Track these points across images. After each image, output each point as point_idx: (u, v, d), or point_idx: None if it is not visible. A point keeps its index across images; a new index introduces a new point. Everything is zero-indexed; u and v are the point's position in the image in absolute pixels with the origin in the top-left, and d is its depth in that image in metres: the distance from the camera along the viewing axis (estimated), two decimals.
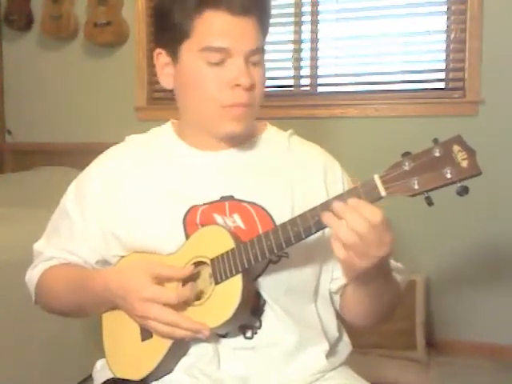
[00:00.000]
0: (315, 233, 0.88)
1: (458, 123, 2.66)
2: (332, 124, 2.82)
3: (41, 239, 1.20)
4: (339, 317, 1.13)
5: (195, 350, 1.00)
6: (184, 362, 1.01)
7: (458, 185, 0.80)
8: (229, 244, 0.94)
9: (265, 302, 1.00)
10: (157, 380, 1.02)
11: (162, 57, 1.05)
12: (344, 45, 2.98)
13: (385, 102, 2.83)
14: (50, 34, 3.23)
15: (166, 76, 1.06)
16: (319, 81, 3.00)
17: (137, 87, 3.16)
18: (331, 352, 1.06)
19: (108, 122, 3.18)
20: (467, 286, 2.69)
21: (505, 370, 2.50)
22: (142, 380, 1.02)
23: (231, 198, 1.03)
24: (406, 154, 0.82)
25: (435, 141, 0.82)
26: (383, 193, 0.82)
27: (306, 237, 0.89)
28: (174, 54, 1.02)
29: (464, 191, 0.79)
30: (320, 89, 3.00)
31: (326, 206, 0.86)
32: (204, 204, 1.02)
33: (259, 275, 1.00)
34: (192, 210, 1.02)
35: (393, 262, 1.05)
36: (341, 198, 0.85)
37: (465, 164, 0.79)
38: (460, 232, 2.68)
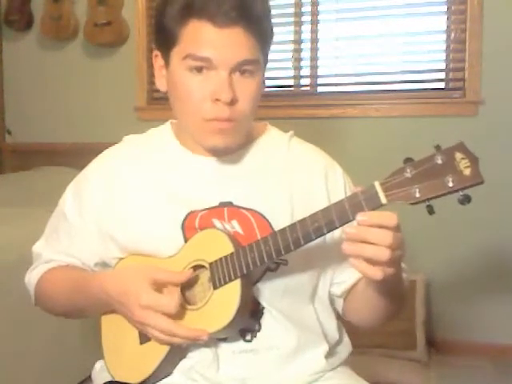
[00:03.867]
0: (315, 239, 0.87)
1: (458, 123, 2.66)
2: (332, 124, 2.82)
3: (39, 241, 1.20)
4: (340, 318, 1.13)
5: (194, 353, 1.00)
6: (183, 364, 1.01)
7: (460, 193, 0.78)
8: (228, 248, 0.94)
9: (264, 306, 1.00)
10: (156, 383, 1.02)
11: (158, 59, 1.05)
12: (344, 45, 2.98)
13: (385, 101, 2.83)
14: (50, 34, 3.23)
15: (162, 78, 1.05)
16: (319, 81, 2.99)
17: (137, 87, 3.15)
18: (330, 353, 1.06)
19: (108, 122, 3.18)
20: (467, 285, 2.69)
21: (505, 370, 2.49)
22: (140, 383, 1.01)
23: (230, 204, 1.02)
24: (408, 160, 0.81)
25: (437, 147, 0.80)
26: (384, 200, 0.81)
27: (306, 243, 0.87)
28: (166, 58, 1.02)
29: (466, 200, 0.78)
30: (320, 89, 3.00)
31: (327, 212, 0.85)
32: (203, 210, 1.02)
33: (256, 282, 0.99)
34: (191, 215, 1.01)
35: None
36: (341, 204, 0.84)
37: (467, 172, 0.77)
38: (460, 232, 2.68)
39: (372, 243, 0.80)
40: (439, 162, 0.78)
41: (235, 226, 1.01)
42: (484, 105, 2.65)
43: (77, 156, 2.96)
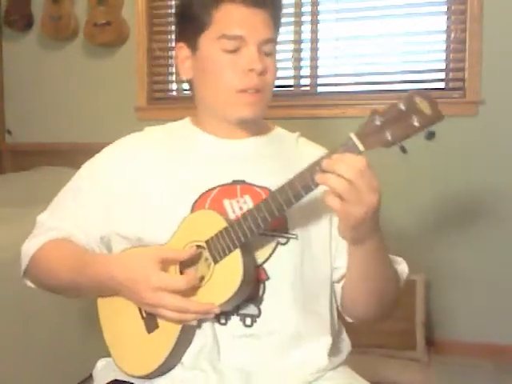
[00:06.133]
0: (305, 196, 0.92)
1: (458, 123, 2.65)
2: (332, 124, 2.82)
3: (44, 212, 1.20)
4: (340, 316, 1.13)
5: (195, 340, 1.01)
6: (188, 353, 1.01)
7: (425, 131, 0.86)
8: (221, 224, 0.97)
9: (264, 290, 1.01)
10: (164, 373, 1.02)
11: (183, 50, 1.12)
12: (344, 45, 2.98)
13: (385, 102, 2.79)
14: (50, 34, 3.23)
15: (186, 68, 1.13)
16: (319, 81, 3.00)
17: (137, 87, 3.16)
18: (333, 349, 1.06)
19: (108, 122, 3.19)
20: (467, 285, 2.69)
21: (505, 370, 2.50)
22: (147, 375, 1.02)
23: (243, 182, 1.07)
24: (374, 111, 0.88)
25: (398, 97, 0.88)
26: (361, 147, 0.89)
27: (297, 201, 0.92)
28: (193, 45, 1.10)
29: (431, 136, 0.87)
30: (320, 89, 3.00)
31: (313, 168, 0.90)
32: (216, 187, 1.06)
33: (268, 258, 1.02)
34: (204, 195, 1.05)
35: (390, 256, 1.08)
36: (323, 159, 0.90)
37: (428, 111, 0.85)
38: (460, 232, 2.69)
39: (335, 174, 0.87)
40: (402, 107, 0.86)
41: (247, 201, 1.05)
42: (484, 105, 2.65)
43: (77, 156, 2.94)
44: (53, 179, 2.81)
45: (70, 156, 3.08)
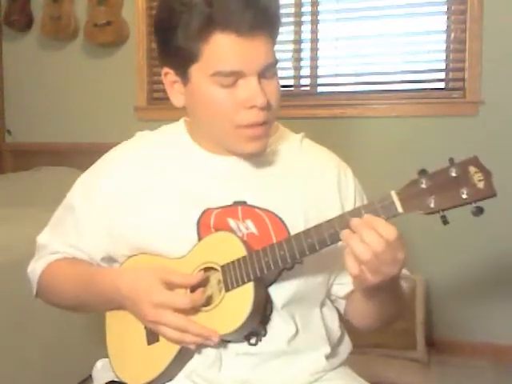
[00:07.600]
0: (330, 245, 0.88)
1: (458, 123, 2.66)
2: (332, 124, 2.82)
3: (44, 232, 1.18)
4: (341, 317, 1.14)
5: (197, 354, 1.00)
6: (186, 366, 1.01)
7: (474, 205, 0.80)
8: (240, 251, 0.94)
9: (271, 311, 1.00)
10: None
11: (170, 76, 1.02)
12: (344, 45, 2.98)
13: (385, 101, 2.83)
14: (50, 34, 3.23)
15: (177, 94, 1.02)
16: (319, 81, 3.00)
17: (137, 87, 3.16)
18: (332, 353, 1.07)
19: (108, 122, 3.19)
20: (467, 285, 2.69)
21: (504, 371, 2.50)
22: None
23: (244, 203, 1.02)
24: (423, 172, 0.83)
25: (451, 160, 0.82)
26: (400, 209, 0.83)
27: (321, 248, 0.88)
28: (182, 75, 0.99)
29: (479, 212, 0.80)
30: (320, 89, 3.00)
31: (342, 219, 0.86)
32: (217, 208, 1.01)
33: (273, 282, 0.99)
34: (206, 213, 1.01)
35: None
36: (358, 212, 0.86)
37: (481, 185, 0.80)
38: (460, 232, 2.68)
39: (362, 240, 0.82)
40: (453, 174, 0.81)
41: (250, 226, 1.00)
42: (484, 105, 2.65)
43: (77, 156, 2.98)
44: (53, 179, 2.83)
45: (70, 156, 3.10)
